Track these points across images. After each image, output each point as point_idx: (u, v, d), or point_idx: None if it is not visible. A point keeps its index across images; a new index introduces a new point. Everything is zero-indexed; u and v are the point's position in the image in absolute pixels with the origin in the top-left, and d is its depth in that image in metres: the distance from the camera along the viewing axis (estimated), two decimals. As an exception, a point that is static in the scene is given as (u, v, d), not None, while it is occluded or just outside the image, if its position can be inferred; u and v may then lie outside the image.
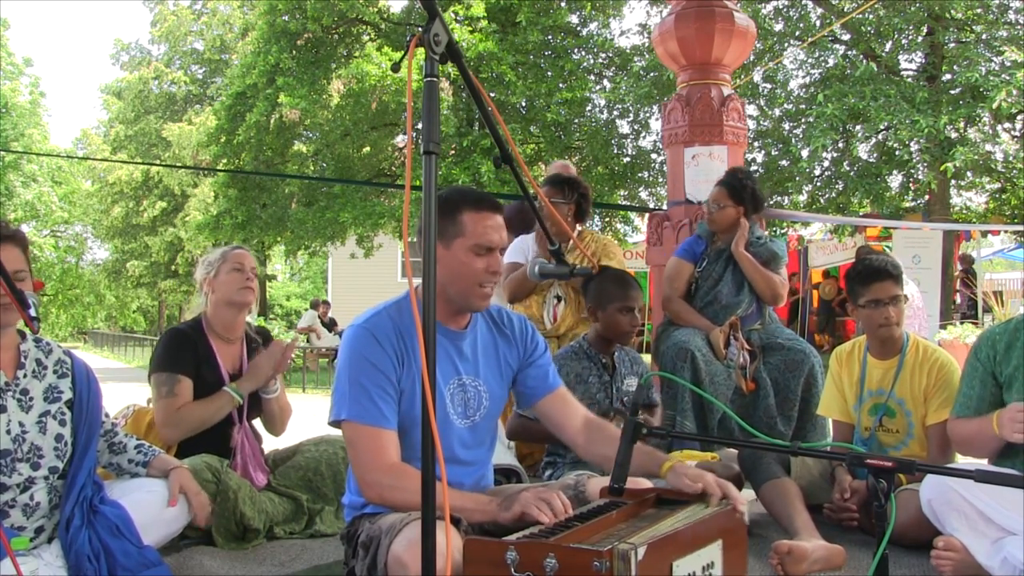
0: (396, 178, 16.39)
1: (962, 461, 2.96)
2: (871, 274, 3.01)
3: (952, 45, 11.99)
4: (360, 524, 2.05)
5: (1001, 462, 2.54)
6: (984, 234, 14.30)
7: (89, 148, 30.03)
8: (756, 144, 13.31)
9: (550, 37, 14.88)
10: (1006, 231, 13.32)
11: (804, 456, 2.39)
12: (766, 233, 4.01)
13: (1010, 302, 11.55)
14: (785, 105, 13.11)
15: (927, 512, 2.51)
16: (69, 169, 25.61)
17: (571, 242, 3.92)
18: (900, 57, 12.75)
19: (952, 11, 11.58)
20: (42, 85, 27.85)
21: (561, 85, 14.58)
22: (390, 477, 1.97)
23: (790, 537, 2.57)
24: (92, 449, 2.21)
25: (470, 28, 13.84)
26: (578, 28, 15.81)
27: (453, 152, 14.39)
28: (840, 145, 12.52)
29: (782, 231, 12.99)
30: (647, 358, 3.98)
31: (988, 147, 11.90)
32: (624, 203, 15.74)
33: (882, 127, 11.52)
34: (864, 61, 11.94)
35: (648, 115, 14.87)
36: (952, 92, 11.37)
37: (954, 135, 11.05)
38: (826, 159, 12.81)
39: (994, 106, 10.01)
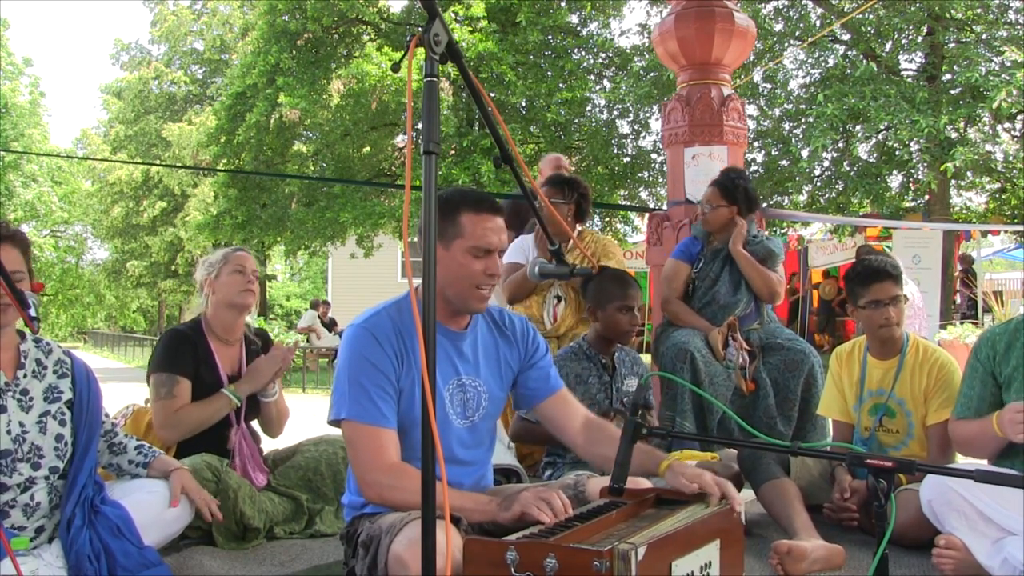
0: (396, 178, 16.38)
1: (962, 461, 2.96)
2: (871, 275, 3.01)
3: (952, 45, 11.99)
4: (360, 524, 2.05)
5: (1001, 462, 2.54)
6: (984, 234, 14.30)
7: (89, 148, 29.99)
8: (756, 144, 13.31)
9: (550, 37, 14.89)
10: (1006, 231, 13.32)
11: (804, 456, 2.39)
12: (764, 232, 4.01)
13: (1010, 302, 11.55)
14: (785, 105, 13.11)
15: (927, 512, 2.52)
16: (69, 169, 25.58)
17: (571, 242, 3.92)
18: (900, 57, 12.76)
19: (952, 11, 11.57)
20: (42, 85, 27.85)
21: (561, 85, 14.58)
22: (390, 477, 1.97)
23: (790, 537, 2.57)
24: (92, 449, 2.21)
25: (470, 28, 13.83)
26: (578, 28, 15.82)
27: (453, 152, 14.38)
28: (840, 145, 12.52)
29: (782, 231, 13.00)
30: (647, 358, 3.98)
31: (988, 147, 11.90)
32: (624, 203, 15.75)
33: (882, 127, 11.52)
34: (864, 61, 11.93)
35: (648, 115, 14.88)
36: (952, 92, 11.38)
37: (954, 135, 11.06)
38: (826, 159, 12.82)
39: (994, 106, 10.02)
